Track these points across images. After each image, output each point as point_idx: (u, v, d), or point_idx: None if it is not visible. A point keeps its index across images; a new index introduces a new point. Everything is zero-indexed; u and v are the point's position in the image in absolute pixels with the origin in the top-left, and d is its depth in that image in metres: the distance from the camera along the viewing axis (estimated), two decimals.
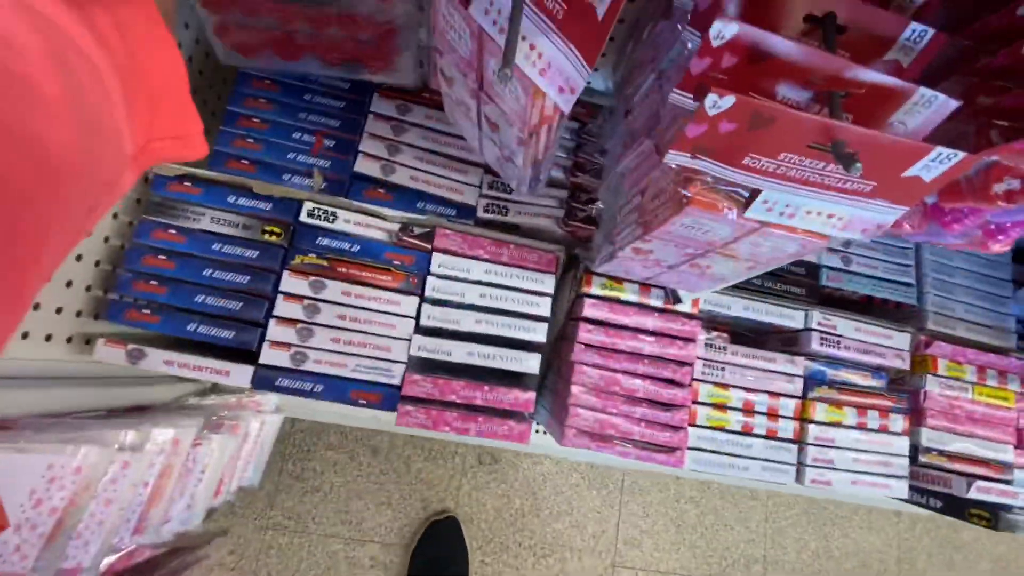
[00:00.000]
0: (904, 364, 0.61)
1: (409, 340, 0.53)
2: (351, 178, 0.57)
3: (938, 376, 0.62)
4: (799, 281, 0.63)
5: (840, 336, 0.61)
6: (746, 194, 0.31)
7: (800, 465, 0.58)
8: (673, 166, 0.30)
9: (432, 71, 0.49)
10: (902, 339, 0.62)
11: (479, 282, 0.55)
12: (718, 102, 0.25)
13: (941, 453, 0.61)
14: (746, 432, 0.58)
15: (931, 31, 0.30)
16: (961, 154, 0.26)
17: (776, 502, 1.01)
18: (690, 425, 0.57)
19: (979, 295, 0.66)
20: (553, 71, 0.30)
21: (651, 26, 0.42)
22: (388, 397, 0.52)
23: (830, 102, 0.28)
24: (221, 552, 0.83)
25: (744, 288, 0.61)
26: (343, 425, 0.91)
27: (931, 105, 0.28)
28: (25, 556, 0.36)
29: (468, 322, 0.54)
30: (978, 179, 0.30)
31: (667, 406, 0.56)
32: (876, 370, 0.62)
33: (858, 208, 0.30)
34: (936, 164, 0.27)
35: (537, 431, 0.77)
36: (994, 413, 0.62)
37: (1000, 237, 0.34)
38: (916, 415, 0.62)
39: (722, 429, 0.58)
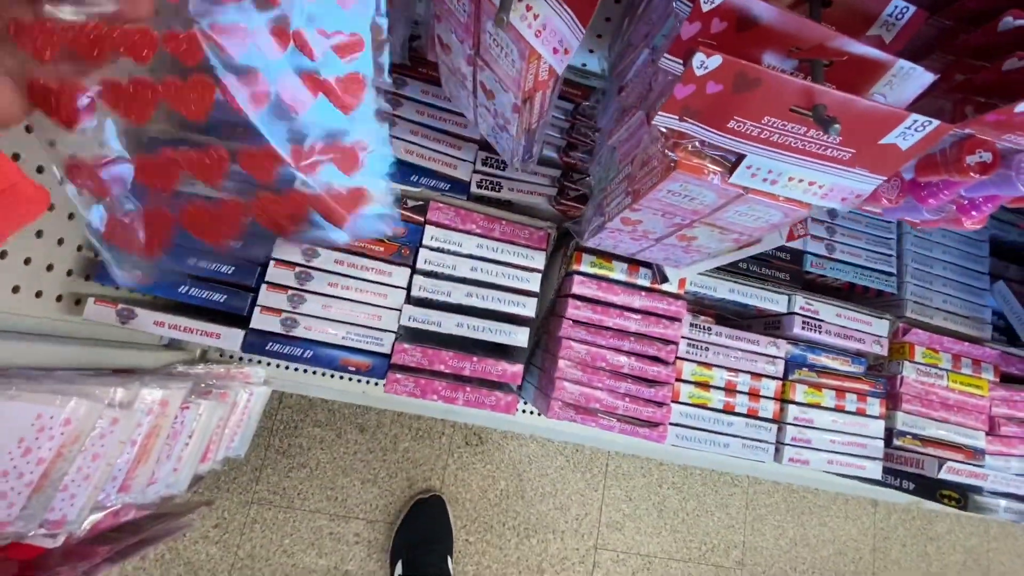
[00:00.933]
0: (882, 350, 0.63)
1: (399, 310, 0.54)
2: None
3: (915, 363, 0.64)
4: (783, 266, 0.64)
5: (821, 320, 0.62)
6: (732, 159, 0.32)
7: (779, 444, 0.60)
8: (662, 129, 0.31)
9: (429, 43, 0.49)
10: (881, 326, 0.64)
11: (471, 256, 0.56)
12: (705, 62, 0.26)
13: (915, 437, 0.62)
14: (727, 411, 0.60)
15: (912, 8, 0.31)
16: (935, 122, 0.27)
17: (756, 490, 1.03)
18: (673, 402, 0.58)
19: (957, 286, 0.68)
20: (548, 32, 0.31)
21: (646, 3, 0.42)
22: (377, 365, 0.53)
23: (813, 69, 0.29)
24: (206, 524, 0.83)
25: (730, 271, 0.62)
26: (331, 402, 0.92)
27: (910, 77, 0.29)
28: (12, 504, 0.37)
29: (459, 294, 0.55)
30: (952, 152, 0.32)
31: (651, 382, 0.57)
32: (855, 355, 0.64)
33: (838, 176, 0.31)
34: (912, 132, 0.28)
35: (524, 411, 0.78)
36: (967, 400, 0.64)
37: (973, 213, 0.35)
38: (892, 399, 0.63)
39: (704, 407, 0.59)
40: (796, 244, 0.65)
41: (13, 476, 0.36)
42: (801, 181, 0.32)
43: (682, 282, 0.59)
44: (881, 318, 0.64)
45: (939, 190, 0.34)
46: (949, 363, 0.65)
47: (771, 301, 0.62)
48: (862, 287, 0.66)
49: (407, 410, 0.87)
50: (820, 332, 0.62)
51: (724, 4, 0.27)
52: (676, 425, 0.58)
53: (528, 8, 0.30)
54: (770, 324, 0.66)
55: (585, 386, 0.56)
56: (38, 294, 0.46)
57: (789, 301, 0.62)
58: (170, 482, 0.55)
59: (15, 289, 0.43)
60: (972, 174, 0.31)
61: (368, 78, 0.34)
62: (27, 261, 0.44)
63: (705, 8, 0.27)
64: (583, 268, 0.57)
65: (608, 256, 0.58)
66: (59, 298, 0.48)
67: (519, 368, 0.55)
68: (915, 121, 0.27)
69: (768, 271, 0.64)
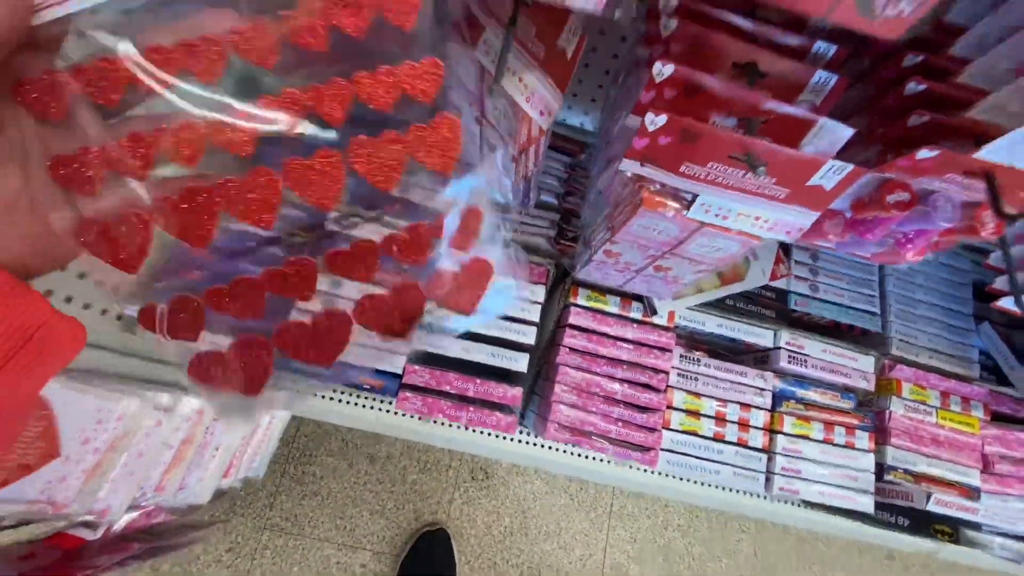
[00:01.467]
0: (868, 385, 0.66)
1: None
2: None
3: (903, 398, 0.66)
4: (769, 304, 0.69)
5: (807, 355, 0.66)
6: (689, 197, 0.38)
7: (769, 473, 0.62)
8: (629, 174, 0.38)
9: None
10: (866, 361, 0.67)
11: None
12: (655, 119, 0.33)
13: (907, 472, 0.64)
14: (718, 439, 0.62)
15: (835, 77, 0.38)
16: (850, 166, 0.33)
17: (765, 536, 1.01)
18: (664, 428, 0.61)
19: (942, 326, 0.71)
20: (536, 98, 0.38)
21: (624, 73, 0.51)
22: (390, 384, 0.58)
23: (749, 125, 0.35)
24: (219, 548, 0.86)
25: (718, 307, 0.67)
26: (345, 432, 0.96)
27: (833, 131, 0.36)
28: (69, 487, 0.42)
29: None
30: (876, 193, 0.37)
31: (643, 409, 0.61)
32: (844, 391, 0.67)
33: (779, 212, 0.37)
34: (832, 174, 0.34)
35: (529, 442, 0.81)
36: (958, 437, 0.66)
37: (909, 246, 0.40)
38: (881, 434, 0.65)
39: (695, 434, 0.62)
40: (780, 284, 0.70)
41: (73, 461, 0.42)
42: (748, 216, 0.38)
43: (671, 315, 0.64)
44: (866, 354, 0.67)
45: (874, 225, 0.39)
46: (938, 400, 0.67)
47: (758, 336, 0.66)
48: (847, 325, 0.70)
49: (417, 439, 0.91)
50: (806, 366, 0.65)
51: (673, 76, 0.35)
52: (668, 451, 0.61)
53: (520, 80, 0.38)
54: (759, 359, 0.69)
55: (580, 410, 0.60)
56: (103, 312, 0.53)
57: (775, 336, 0.66)
58: (196, 491, 0.59)
59: (86, 306, 0.51)
60: (893, 211, 0.36)
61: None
62: (100, 283, 0.51)
63: (657, 80, 0.35)
64: (579, 301, 0.63)
65: (603, 291, 0.63)
66: (119, 316, 0.55)
67: (519, 391, 0.60)
68: (832, 166, 0.33)
69: (754, 308, 0.68)
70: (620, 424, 0.60)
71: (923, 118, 0.34)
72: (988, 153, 0.29)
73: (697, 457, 0.62)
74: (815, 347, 0.66)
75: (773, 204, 0.37)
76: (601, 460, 0.72)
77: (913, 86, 0.35)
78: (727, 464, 0.62)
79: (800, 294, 0.70)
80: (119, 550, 0.50)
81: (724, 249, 0.41)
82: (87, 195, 0.23)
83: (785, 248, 0.71)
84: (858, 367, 0.67)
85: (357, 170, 0.26)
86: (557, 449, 0.78)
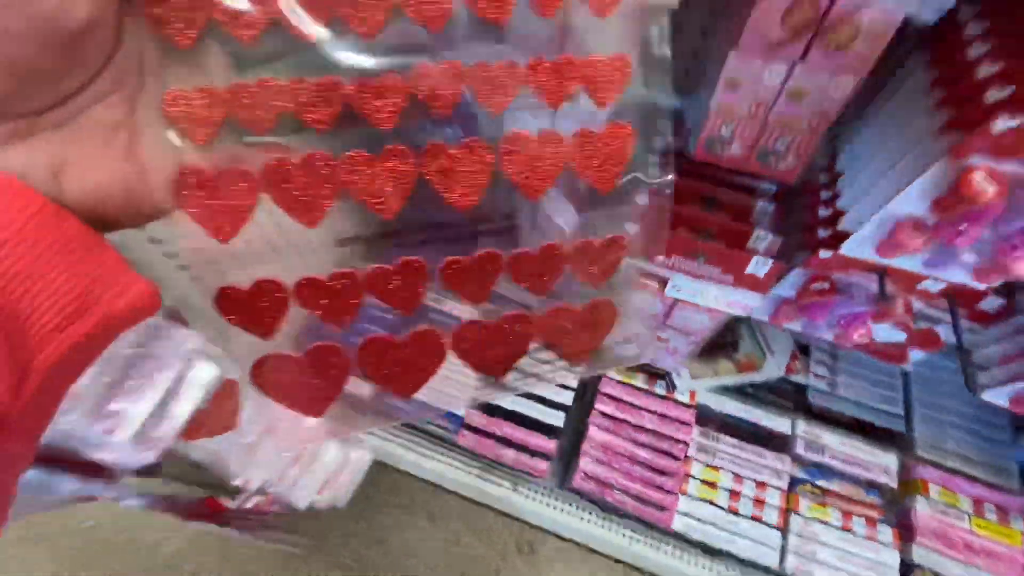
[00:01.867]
0: (890, 481, 0.69)
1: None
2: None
3: (929, 499, 0.68)
4: (787, 395, 0.77)
5: (825, 445, 0.72)
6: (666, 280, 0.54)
7: (784, 551, 0.66)
8: None
9: None
10: (888, 458, 0.71)
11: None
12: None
13: (936, 574, 0.64)
14: (732, 512, 0.68)
15: (773, 205, 0.54)
16: (771, 261, 0.49)
17: None
18: (682, 493, 0.69)
19: (973, 433, 0.73)
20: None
21: None
22: (454, 422, 0.74)
23: (699, 232, 0.53)
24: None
25: (739, 392, 0.77)
26: (413, 488, 1.10)
27: (767, 239, 0.52)
28: (232, 453, 0.62)
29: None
30: (806, 284, 0.51)
31: (662, 472, 0.70)
32: (868, 486, 0.70)
33: (731, 293, 0.52)
34: (761, 266, 0.49)
35: (576, 516, 0.89)
36: (996, 548, 0.65)
37: (851, 328, 0.51)
38: (907, 532, 0.67)
39: (711, 503, 0.69)
40: (798, 378, 0.78)
41: (241, 435, 0.62)
42: (709, 295, 0.53)
43: (692, 394, 0.75)
44: (888, 451, 0.71)
45: (815, 309, 0.52)
46: (970, 506, 0.68)
47: (775, 422, 0.74)
48: (870, 423, 0.75)
49: (471, 496, 1.03)
50: (824, 455, 0.71)
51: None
52: (685, 515, 0.68)
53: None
54: (779, 447, 0.76)
55: (605, 465, 0.71)
56: None
57: (792, 424, 0.74)
58: (301, 494, 0.77)
59: None
60: (816, 297, 0.49)
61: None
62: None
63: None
64: (611, 374, 0.77)
65: (632, 368, 0.77)
66: None
67: (555, 443, 0.72)
68: (758, 260, 0.49)
69: (772, 396, 0.77)
70: (640, 483, 0.70)
71: (828, 231, 0.49)
72: (845, 250, 0.43)
73: (713, 525, 0.68)
74: (833, 439, 0.72)
75: (725, 287, 0.52)
76: (637, 540, 0.78)
77: (823, 211, 0.51)
78: (742, 536, 0.67)
79: (819, 390, 0.77)
80: (242, 520, 0.68)
81: (700, 322, 0.56)
82: (196, 142, 0.20)
83: (803, 346, 0.80)
84: (879, 462, 0.71)
85: (505, 170, 0.23)
86: (592, 521, 0.85)
